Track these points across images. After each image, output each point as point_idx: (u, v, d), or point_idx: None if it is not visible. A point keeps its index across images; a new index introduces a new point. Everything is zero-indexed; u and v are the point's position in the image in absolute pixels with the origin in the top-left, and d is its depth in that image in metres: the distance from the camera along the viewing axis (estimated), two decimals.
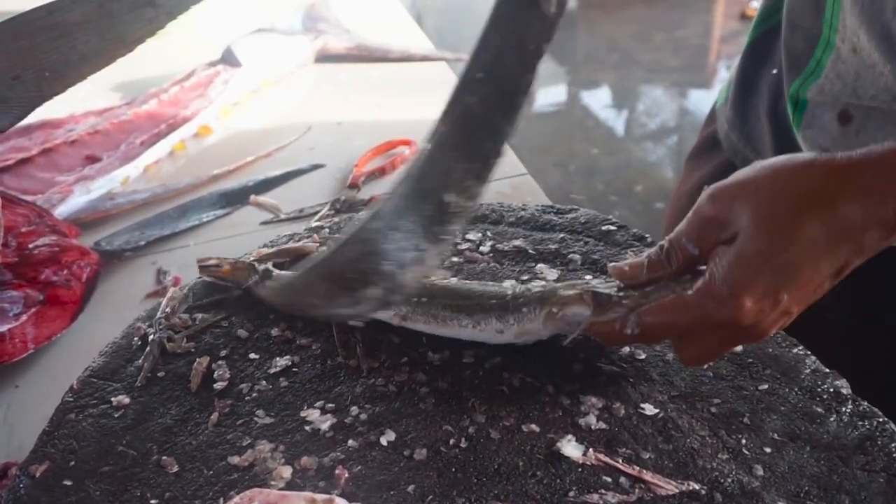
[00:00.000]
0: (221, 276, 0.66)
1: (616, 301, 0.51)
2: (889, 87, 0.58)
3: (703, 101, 3.05)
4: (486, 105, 0.48)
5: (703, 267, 0.47)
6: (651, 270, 0.48)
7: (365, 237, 0.49)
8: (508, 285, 0.57)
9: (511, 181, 0.91)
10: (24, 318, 0.70)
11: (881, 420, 0.52)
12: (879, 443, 0.50)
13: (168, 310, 0.63)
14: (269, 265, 0.65)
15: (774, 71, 0.69)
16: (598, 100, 3.13)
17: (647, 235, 0.70)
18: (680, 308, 0.47)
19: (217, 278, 0.67)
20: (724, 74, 3.25)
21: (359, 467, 0.50)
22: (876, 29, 0.56)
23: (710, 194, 0.46)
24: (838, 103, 0.62)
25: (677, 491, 0.48)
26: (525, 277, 0.65)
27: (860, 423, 0.52)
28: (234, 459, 0.51)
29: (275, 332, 0.61)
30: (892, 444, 0.50)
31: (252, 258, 0.68)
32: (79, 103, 1.06)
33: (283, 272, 0.64)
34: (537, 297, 0.54)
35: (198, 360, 0.58)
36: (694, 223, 0.46)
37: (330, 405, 0.54)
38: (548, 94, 3.24)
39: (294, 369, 0.58)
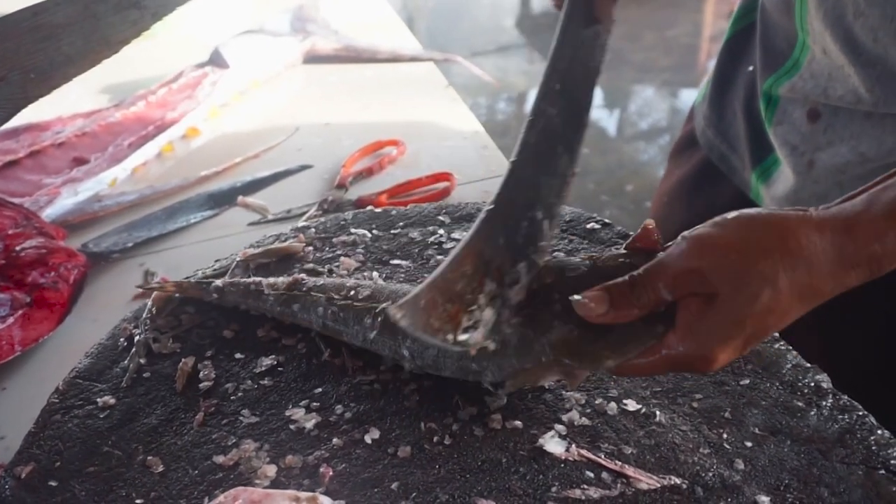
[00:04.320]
0: (174, 292, 0.65)
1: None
2: (855, 89, 0.59)
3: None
4: (563, 118, 0.49)
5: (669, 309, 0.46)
6: (616, 307, 0.46)
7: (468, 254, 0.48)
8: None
9: (500, 181, 0.91)
10: (10, 320, 0.70)
11: (861, 413, 0.52)
12: (859, 436, 0.51)
13: (154, 310, 0.64)
14: (219, 282, 0.63)
15: (750, 68, 0.70)
16: None
17: (631, 233, 0.70)
18: (653, 366, 0.47)
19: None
20: None
21: (343, 465, 0.50)
22: (839, 32, 0.57)
23: (696, 247, 0.45)
24: (808, 101, 0.62)
25: (659, 485, 0.48)
26: None
27: (840, 416, 0.52)
28: (219, 459, 0.51)
29: (260, 332, 0.61)
30: (872, 438, 0.51)
31: (237, 258, 0.68)
32: (67, 105, 1.06)
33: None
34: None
35: (183, 360, 0.59)
36: (674, 272, 0.45)
37: (315, 404, 0.55)
38: None
39: (279, 369, 0.58)
